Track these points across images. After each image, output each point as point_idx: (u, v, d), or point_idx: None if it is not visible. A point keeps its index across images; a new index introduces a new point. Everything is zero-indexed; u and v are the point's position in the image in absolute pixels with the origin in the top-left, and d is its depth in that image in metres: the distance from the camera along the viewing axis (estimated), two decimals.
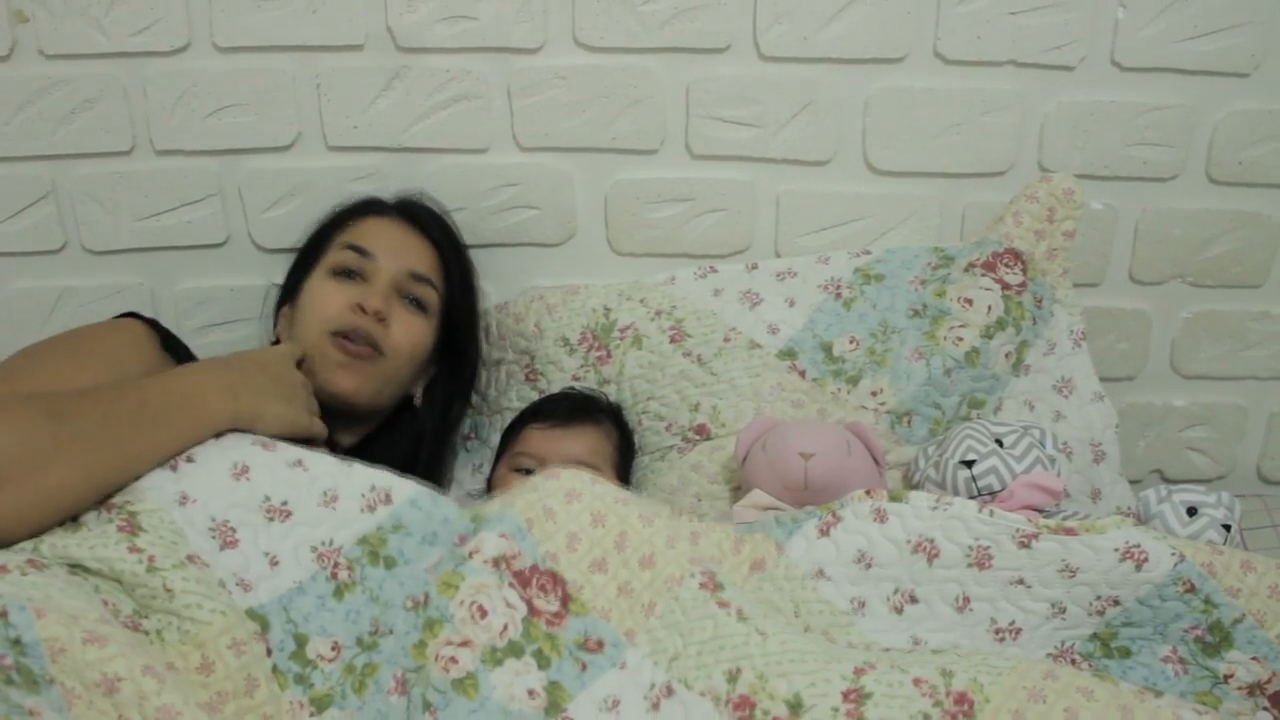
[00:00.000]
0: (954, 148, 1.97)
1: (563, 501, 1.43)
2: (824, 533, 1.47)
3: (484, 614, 1.31)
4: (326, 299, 1.75)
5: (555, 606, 1.35)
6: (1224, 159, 1.98)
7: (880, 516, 1.46)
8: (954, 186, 2.01)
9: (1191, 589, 1.41)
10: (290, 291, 1.86)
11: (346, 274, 1.78)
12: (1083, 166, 1.98)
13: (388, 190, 1.94)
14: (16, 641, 1.09)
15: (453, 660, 1.27)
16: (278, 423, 1.49)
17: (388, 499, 1.41)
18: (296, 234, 1.95)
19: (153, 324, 1.67)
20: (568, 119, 1.96)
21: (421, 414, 1.90)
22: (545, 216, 2.02)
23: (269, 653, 1.29)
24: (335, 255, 1.80)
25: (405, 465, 1.81)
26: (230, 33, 1.89)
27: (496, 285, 2.04)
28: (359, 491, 1.41)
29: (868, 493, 1.48)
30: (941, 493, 1.66)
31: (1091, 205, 1.99)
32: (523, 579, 1.35)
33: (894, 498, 1.47)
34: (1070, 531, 1.42)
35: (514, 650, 1.29)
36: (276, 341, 1.84)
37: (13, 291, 2.01)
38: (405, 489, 1.42)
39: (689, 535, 1.47)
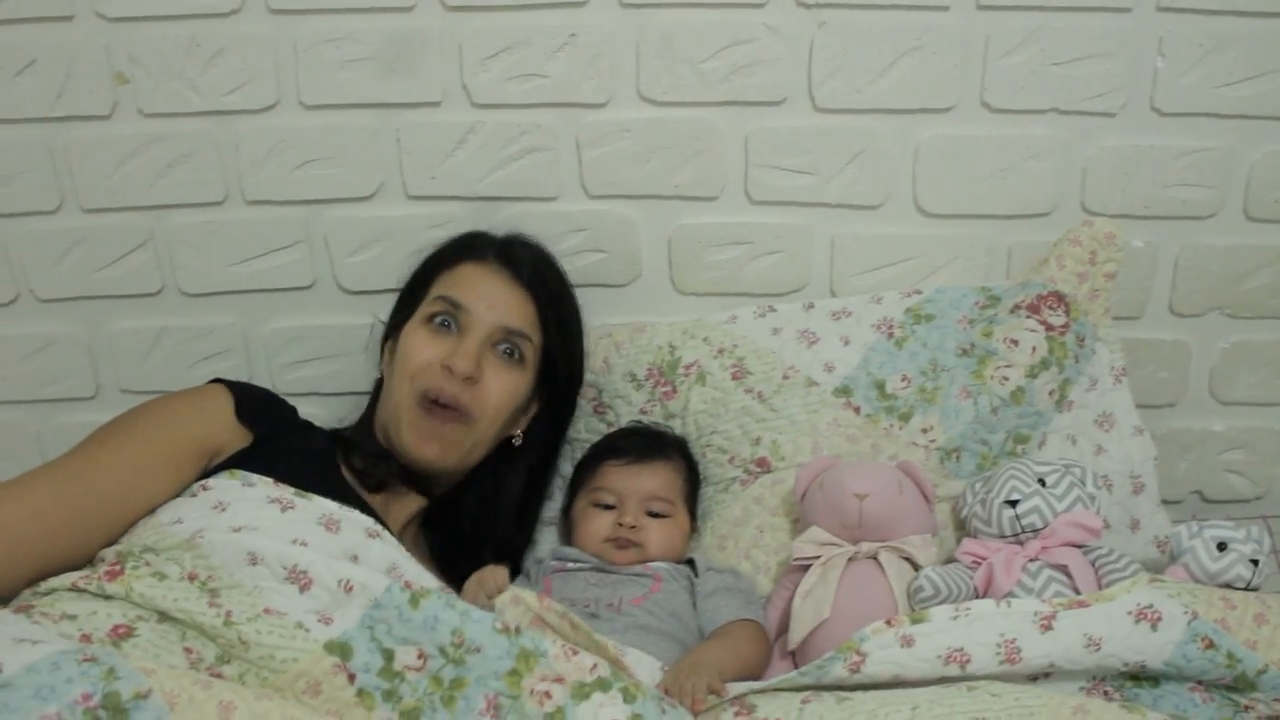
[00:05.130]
0: (1000, 191, 2.06)
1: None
2: (854, 670, 1.48)
3: (575, 653, 1.40)
4: (417, 350, 1.79)
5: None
6: (1261, 197, 2.06)
7: (906, 641, 1.48)
8: (1000, 227, 2.09)
9: (1211, 644, 1.47)
10: (394, 329, 1.91)
11: (440, 325, 1.82)
12: (1124, 207, 2.06)
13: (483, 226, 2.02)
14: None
15: (547, 695, 1.35)
16: None
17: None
18: (379, 277, 2.07)
19: (238, 390, 1.75)
20: (633, 168, 2.05)
21: (519, 454, 1.95)
22: (612, 259, 2.12)
23: (351, 679, 1.37)
24: (430, 305, 1.84)
25: (500, 504, 1.92)
26: (316, 92, 2.00)
27: (581, 333, 2.09)
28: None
29: (888, 622, 1.49)
30: (987, 529, 1.77)
31: (1133, 243, 2.07)
32: None
33: (915, 620, 1.49)
34: (1083, 604, 1.50)
35: (602, 685, 1.37)
36: (380, 377, 1.91)
37: (115, 331, 2.14)
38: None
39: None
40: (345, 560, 1.50)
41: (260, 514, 1.54)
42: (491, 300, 1.84)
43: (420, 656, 1.39)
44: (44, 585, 1.43)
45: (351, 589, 1.43)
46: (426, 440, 1.76)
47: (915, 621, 1.49)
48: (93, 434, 1.63)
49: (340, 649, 1.38)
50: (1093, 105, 2.01)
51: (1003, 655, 1.47)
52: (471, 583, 1.63)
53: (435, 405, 1.76)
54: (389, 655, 1.39)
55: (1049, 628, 1.48)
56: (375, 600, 1.42)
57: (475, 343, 1.80)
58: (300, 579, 1.43)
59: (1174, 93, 2.01)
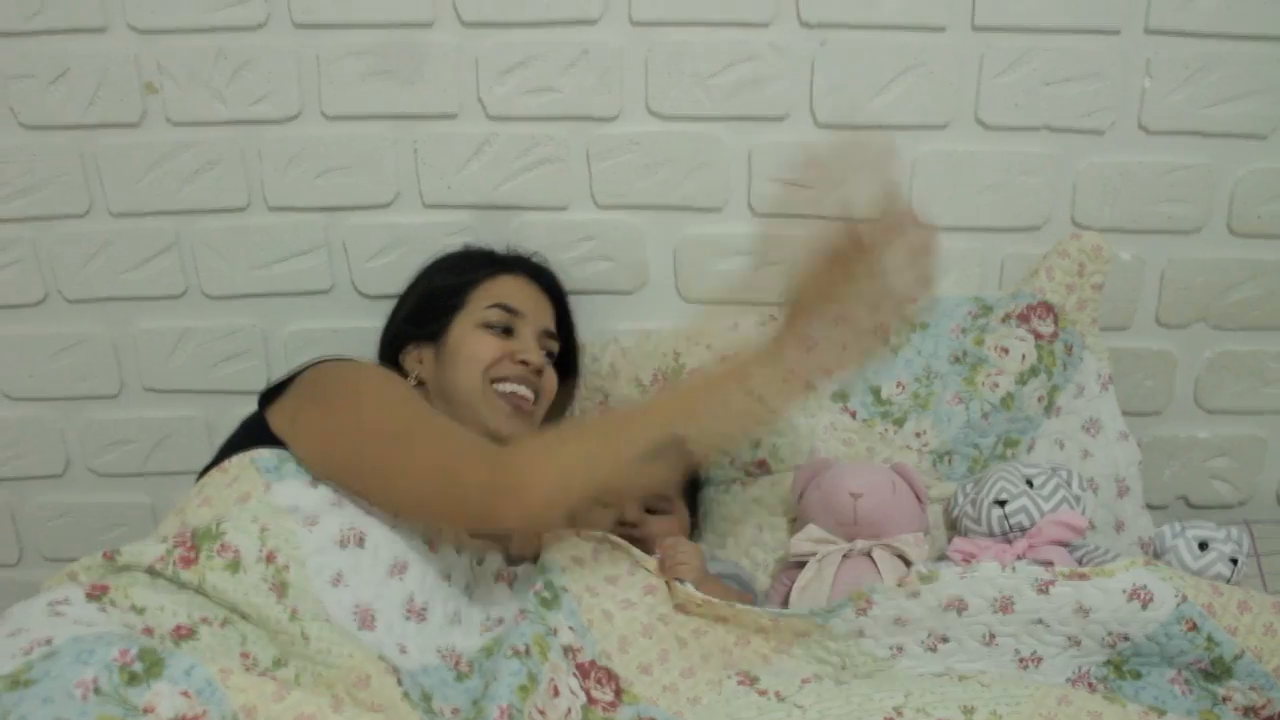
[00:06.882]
0: (993, 205, 2.14)
1: (619, 607, 1.63)
2: (861, 613, 1.62)
3: (556, 693, 1.48)
4: (485, 348, 1.88)
5: (610, 696, 1.53)
6: (1244, 213, 2.14)
7: (912, 594, 1.61)
8: (993, 240, 2.17)
9: (1194, 627, 1.56)
10: (425, 337, 1.95)
11: (498, 329, 1.91)
12: (1112, 221, 2.14)
13: (480, 243, 2.10)
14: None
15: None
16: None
17: (500, 622, 1.63)
18: (395, 282, 2.12)
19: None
20: (641, 180, 2.13)
21: None
22: (620, 267, 2.19)
23: (399, 682, 1.44)
24: (484, 312, 1.92)
25: None
26: (337, 103, 2.07)
27: (576, 329, 2.18)
28: (478, 620, 1.65)
29: (899, 583, 1.63)
30: (976, 528, 1.85)
31: (1121, 256, 2.14)
32: (583, 671, 1.55)
33: (925, 580, 1.62)
34: (1083, 576, 1.58)
35: None
36: (419, 383, 1.93)
37: (140, 331, 2.21)
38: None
39: (722, 620, 1.64)
40: (412, 619, 1.58)
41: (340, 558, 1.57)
42: (534, 306, 1.98)
43: (455, 712, 1.48)
44: (122, 559, 1.46)
45: (406, 651, 1.52)
46: (508, 419, 1.86)
47: (925, 581, 1.61)
48: (399, 414, 1.65)
49: (392, 665, 1.46)
50: (1083, 123, 2.09)
51: (997, 606, 1.59)
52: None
53: (515, 390, 1.89)
54: (427, 697, 1.48)
55: (1045, 591, 1.59)
56: (425, 668, 1.52)
57: (532, 341, 1.94)
58: (366, 620, 1.51)
59: (1161, 112, 2.08)
